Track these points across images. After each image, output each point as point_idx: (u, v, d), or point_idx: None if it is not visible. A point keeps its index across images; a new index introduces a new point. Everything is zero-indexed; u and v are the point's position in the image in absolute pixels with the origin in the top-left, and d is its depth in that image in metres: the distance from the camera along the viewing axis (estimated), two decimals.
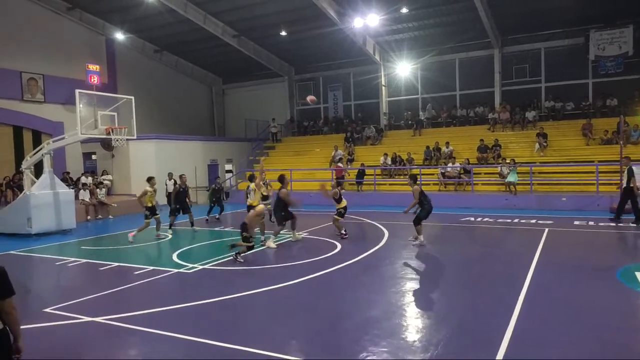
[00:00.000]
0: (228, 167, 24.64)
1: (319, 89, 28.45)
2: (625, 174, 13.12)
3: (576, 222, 13.16)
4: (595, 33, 20.96)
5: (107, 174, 21.56)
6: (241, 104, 30.14)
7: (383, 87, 26.15)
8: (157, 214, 12.58)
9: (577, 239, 11.31)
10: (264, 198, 12.76)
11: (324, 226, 13.22)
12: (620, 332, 5.31)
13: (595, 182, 16.22)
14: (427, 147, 21.07)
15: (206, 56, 27.94)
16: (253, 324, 5.96)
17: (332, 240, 11.16)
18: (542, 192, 17.42)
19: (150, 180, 12.57)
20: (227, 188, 24.01)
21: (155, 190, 12.64)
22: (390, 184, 20.48)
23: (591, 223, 13.02)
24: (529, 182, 17.38)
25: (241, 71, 29.23)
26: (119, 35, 24.01)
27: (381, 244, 10.86)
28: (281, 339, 5.44)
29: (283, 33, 23.21)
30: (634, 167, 14.72)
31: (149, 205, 12.43)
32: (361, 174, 20.70)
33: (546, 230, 11.98)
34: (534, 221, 13.55)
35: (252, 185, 11.58)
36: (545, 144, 19.31)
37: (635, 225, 12.41)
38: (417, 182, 11.16)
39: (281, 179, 11.46)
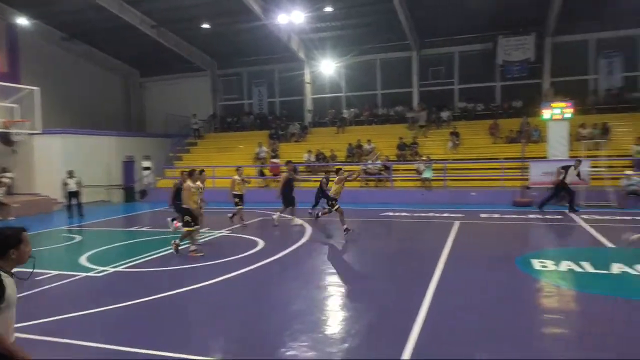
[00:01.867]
0: (146, 164, 23.49)
1: (243, 85, 28.05)
2: (568, 170, 14.53)
3: (483, 215, 14.16)
4: (503, 39, 22.58)
5: (7, 172, 19.70)
6: (161, 98, 28.85)
7: (307, 85, 26.33)
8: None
9: (483, 231, 12.19)
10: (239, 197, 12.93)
11: (248, 223, 13.09)
12: (522, 316, 5.79)
13: (501, 177, 17.56)
14: (350, 144, 21.55)
15: (122, 47, 26.40)
16: (170, 327, 5.74)
17: (255, 238, 11.08)
18: (455, 187, 18.51)
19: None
20: (145, 186, 22.98)
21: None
22: (315, 180, 20.66)
23: (496, 215, 14.08)
24: (443, 178, 18.45)
25: (161, 64, 27.95)
26: (22, 21, 21.96)
27: (303, 240, 10.95)
28: (200, 340, 5.31)
29: (205, 26, 22.55)
30: (532, 163, 16.12)
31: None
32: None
33: (457, 223, 12.76)
34: (446, 215, 14.37)
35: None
36: (457, 142, 20.53)
37: (571, 213, 13.97)
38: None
39: (190, 173, 10.97)
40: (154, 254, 9.65)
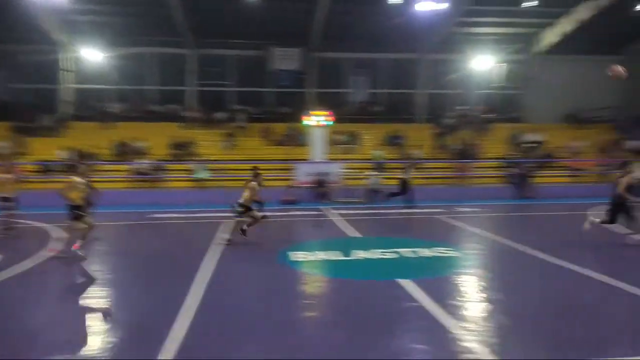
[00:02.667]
0: None
1: None
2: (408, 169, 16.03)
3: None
4: (275, 49, 24.11)
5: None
6: None
7: (66, 72, 23.10)
8: None
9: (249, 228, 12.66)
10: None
11: None
12: (284, 304, 6.14)
13: (271, 178, 18.62)
14: (118, 142, 19.78)
15: None
16: None
17: None
18: (229, 187, 18.80)
19: None
20: None
21: None
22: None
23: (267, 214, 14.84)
24: (218, 178, 18.58)
25: None
26: None
27: (48, 247, 9.47)
28: None
29: None
30: (299, 165, 17.55)
31: None
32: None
33: (224, 222, 12.95)
34: (217, 214, 14.45)
35: None
36: (232, 143, 20.99)
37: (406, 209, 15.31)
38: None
39: None
40: None
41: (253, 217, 10.08)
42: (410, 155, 19.65)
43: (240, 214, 10.07)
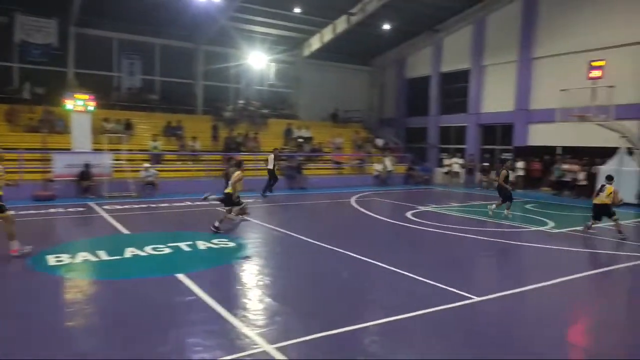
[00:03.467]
0: None
1: None
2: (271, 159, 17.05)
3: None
4: (22, 16, 20.19)
5: None
6: None
7: None
8: None
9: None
10: None
11: None
12: (42, 322, 5.17)
13: (20, 170, 15.64)
14: None
15: None
16: None
17: None
18: None
19: None
20: None
21: None
22: None
23: (11, 213, 12.39)
24: None
25: None
26: None
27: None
28: None
29: None
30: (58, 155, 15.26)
31: None
32: None
33: None
34: None
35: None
36: None
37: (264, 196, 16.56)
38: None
39: None
40: None
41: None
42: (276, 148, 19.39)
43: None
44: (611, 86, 15.86)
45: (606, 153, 17.36)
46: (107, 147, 16.96)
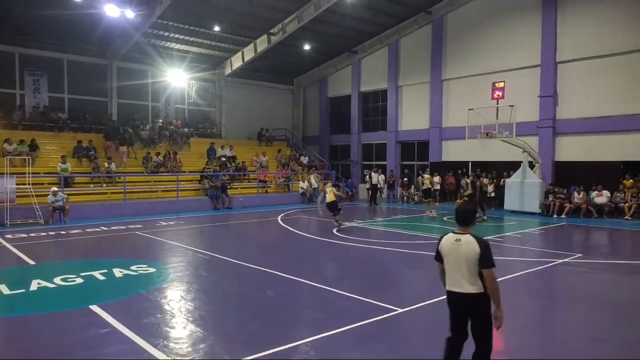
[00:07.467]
0: None
1: None
2: None
3: None
4: None
5: None
6: None
7: None
8: None
9: None
10: None
11: None
12: None
13: None
14: None
15: None
16: None
17: None
18: None
19: None
20: None
21: None
22: None
23: None
24: None
25: None
26: None
27: None
28: None
29: None
30: None
31: None
32: None
33: None
34: None
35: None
36: None
37: None
38: None
39: None
40: None
41: None
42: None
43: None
44: (511, 105, 17.34)
45: (512, 166, 18.92)
46: (9, 170, 15.50)
